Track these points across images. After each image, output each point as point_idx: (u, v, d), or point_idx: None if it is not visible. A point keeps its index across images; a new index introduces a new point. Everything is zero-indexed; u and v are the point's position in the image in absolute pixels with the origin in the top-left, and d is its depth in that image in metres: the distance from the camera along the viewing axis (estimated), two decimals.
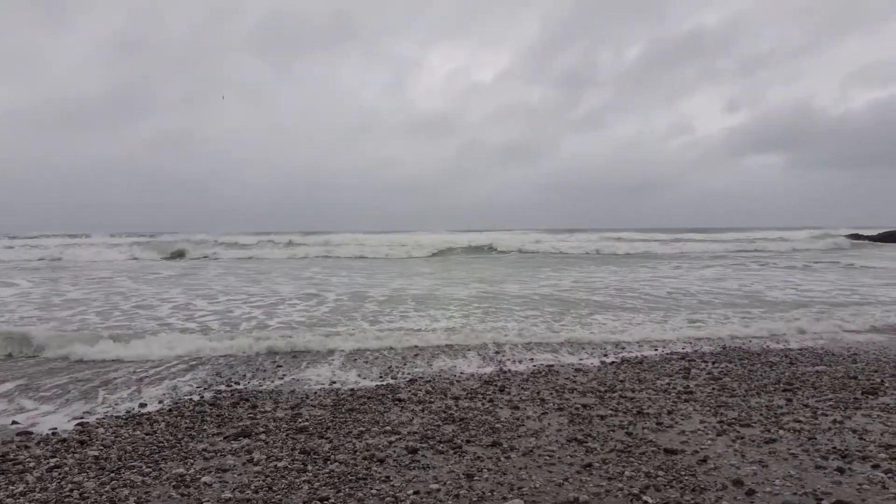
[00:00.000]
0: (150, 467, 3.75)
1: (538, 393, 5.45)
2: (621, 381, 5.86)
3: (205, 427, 4.56)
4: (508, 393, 5.46)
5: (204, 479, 3.56)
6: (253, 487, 3.43)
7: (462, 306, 11.12)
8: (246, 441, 4.23)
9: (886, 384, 5.64)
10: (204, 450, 4.06)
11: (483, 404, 5.10)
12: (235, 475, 3.62)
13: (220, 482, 3.52)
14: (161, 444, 4.16)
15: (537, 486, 3.45)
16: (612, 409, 4.93)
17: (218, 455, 3.97)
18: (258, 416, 4.80)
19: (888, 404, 4.98)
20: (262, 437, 4.32)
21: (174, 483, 3.51)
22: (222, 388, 5.73)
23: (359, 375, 6.20)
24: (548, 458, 3.88)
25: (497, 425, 4.53)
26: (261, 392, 5.57)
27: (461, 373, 6.29)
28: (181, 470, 3.69)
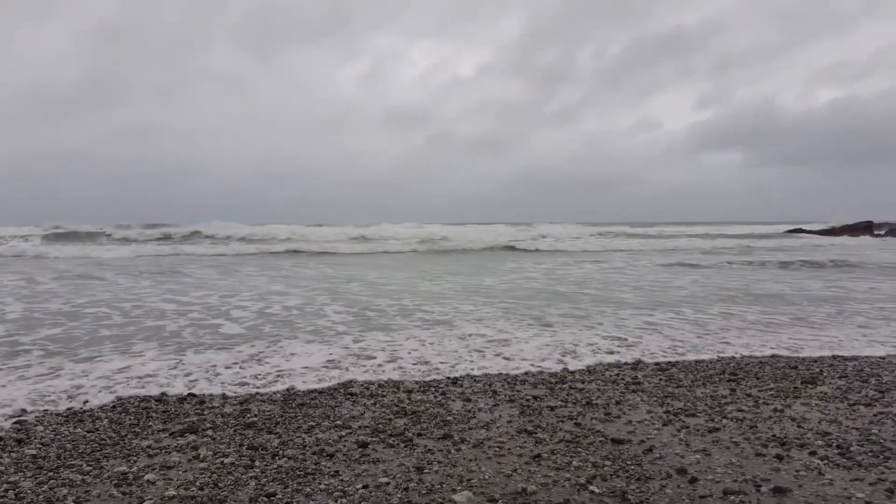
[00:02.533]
0: (90, 465, 3.65)
1: (490, 385, 5.48)
2: (571, 373, 5.94)
3: (150, 423, 4.45)
4: (461, 385, 5.48)
5: (147, 476, 3.48)
6: (198, 484, 3.37)
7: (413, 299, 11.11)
8: (192, 437, 4.15)
9: (825, 374, 5.84)
10: (148, 447, 3.97)
11: (435, 397, 5.10)
12: (180, 472, 3.55)
13: (165, 479, 3.44)
14: (103, 442, 4.05)
15: (486, 477, 3.47)
16: (561, 401, 4.99)
17: (163, 452, 3.88)
18: (205, 412, 4.71)
19: (826, 393, 5.16)
20: (210, 433, 4.24)
21: (115, 481, 3.42)
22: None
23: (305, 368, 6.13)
24: (498, 449, 3.91)
25: (448, 418, 4.54)
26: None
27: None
28: (123, 468, 3.60)
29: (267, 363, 6.28)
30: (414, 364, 6.28)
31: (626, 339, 7.54)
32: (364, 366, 6.20)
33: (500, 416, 4.61)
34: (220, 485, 3.36)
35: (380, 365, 6.24)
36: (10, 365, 6.13)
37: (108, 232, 31.27)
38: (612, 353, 6.83)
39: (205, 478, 3.45)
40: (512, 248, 29.21)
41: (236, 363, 6.27)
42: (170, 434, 4.21)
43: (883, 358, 6.57)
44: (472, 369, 6.07)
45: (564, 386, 5.45)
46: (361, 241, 30.10)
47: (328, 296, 11.65)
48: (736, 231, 47.59)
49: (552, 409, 4.77)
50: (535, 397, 5.09)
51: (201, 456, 3.78)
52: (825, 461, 3.68)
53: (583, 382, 5.57)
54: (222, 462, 3.68)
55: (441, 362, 6.35)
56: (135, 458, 3.76)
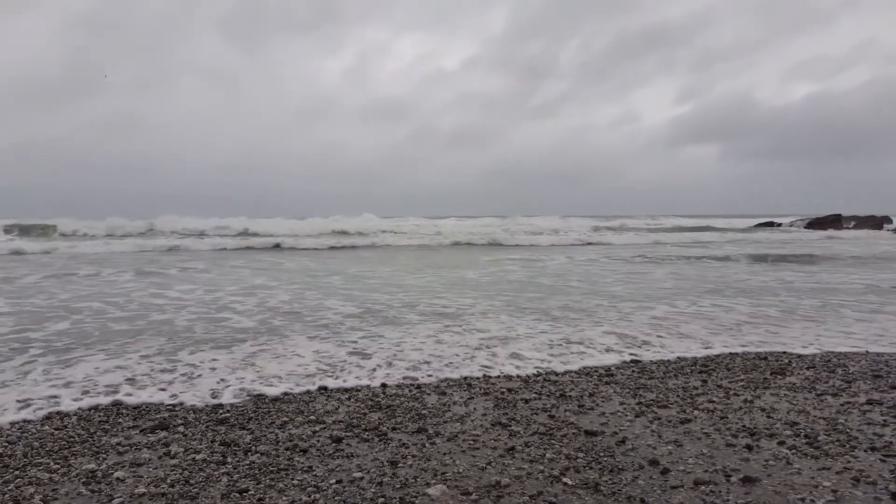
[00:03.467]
0: (58, 464, 3.58)
1: (465, 378, 5.49)
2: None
3: (120, 420, 4.39)
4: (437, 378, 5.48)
5: (117, 474, 3.43)
6: (169, 481, 3.33)
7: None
8: (163, 434, 4.10)
9: (793, 365, 5.95)
10: (118, 444, 3.91)
11: (411, 391, 5.10)
12: (151, 469, 3.51)
13: (135, 477, 3.40)
14: (72, 440, 3.98)
15: (461, 470, 3.47)
16: (536, 393, 5.01)
17: (133, 449, 3.83)
18: (177, 408, 4.65)
19: (794, 384, 5.25)
20: (181, 429, 4.19)
21: (84, 479, 3.36)
22: None
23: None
24: (472, 442, 3.92)
25: (423, 411, 4.54)
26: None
27: None
28: (92, 465, 3.54)
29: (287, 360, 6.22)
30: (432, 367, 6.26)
31: (644, 339, 7.59)
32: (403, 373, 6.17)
33: (474, 409, 4.62)
34: (191, 481, 3.32)
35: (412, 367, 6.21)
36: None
37: (56, 226, 29.35)
38: (638, 347, 6.87)
39: (176, 474, 3.41)
40: (491, 243, 29.17)
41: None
42: (140, 431, 4.16)
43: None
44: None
45: (539, 378, 5.48)
46: (323, 236, 29.29)
47: (284, 318, 11.57)
48: (704, 223, 48.23)
49: (526, 401, 4.79)
50: (509, 390, 5.11)
51: (172, 452, 3.74)
52: (793, 451, 3.74)
53: (556, 375, 5.60)
54: (194, 458, 3.64)
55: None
56: (104, 456, 3.70)
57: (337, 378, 5.46)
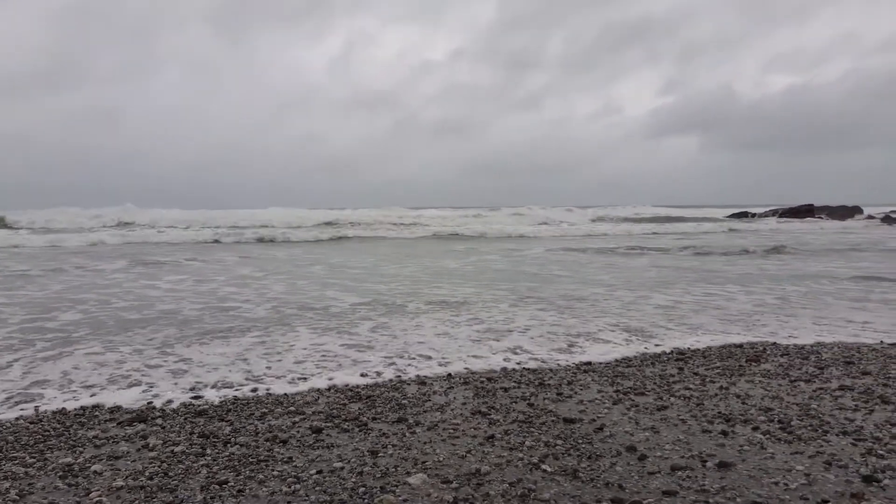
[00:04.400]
0: (34, 458, 3.54)
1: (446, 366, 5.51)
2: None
3: (97, 413, 4.34)
4: (417, 367, 5.49)
5: (94, 467, 3.39)
6: (147, 474, 3.30)
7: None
8: (141, 426, 4.06)
9: (768, 352, 6.04)
10: (95, 437, 3.87)
11: (391, 381, 5.10)
12: (129, 462, 3.47)
13: (112, 470, 3.37)
14: (47, 433, 3.93)
15: (441, 459, 3.49)
16: (515, 381, 5.05)
17: (110, 442, 3.79)
18: (154, 399, 4.61)
19: (769, 370, 5.34)
20: (159, 421, 4.16)
21: (61, 473, 3.32)
22: None
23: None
24: (452, 431, 3.94)
25: (404, 401, 4.55)
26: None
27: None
28: (69, 459, 3.50)
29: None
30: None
31: (653, 332, 7.64)
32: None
33: (454, 398, 4.64)
34: (170, 474, 3.30)
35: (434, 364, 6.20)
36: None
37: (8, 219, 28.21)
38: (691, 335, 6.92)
39: (154, 467, 3.39)
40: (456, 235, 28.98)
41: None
42: (117, 423, 4.12)
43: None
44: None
45: (518, 367, 5.52)
46: (302, 229, 28.82)
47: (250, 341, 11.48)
48: (679, 214, 48.69)
49: (506, 390, 4.82)
50: (489, 378, 5.14)
51: (150, 445, 3.71)
52: (767, 436, 3.81)
53: (535, 362, 5.64)
54: (172, 451, 3.61)
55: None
56: (80, 449, 3.66)
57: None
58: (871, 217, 45.92)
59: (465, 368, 5.48)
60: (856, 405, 4.38)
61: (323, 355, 5.95)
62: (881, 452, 3.50)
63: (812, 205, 48.56)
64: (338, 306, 8.69)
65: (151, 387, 4.96)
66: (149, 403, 4.55)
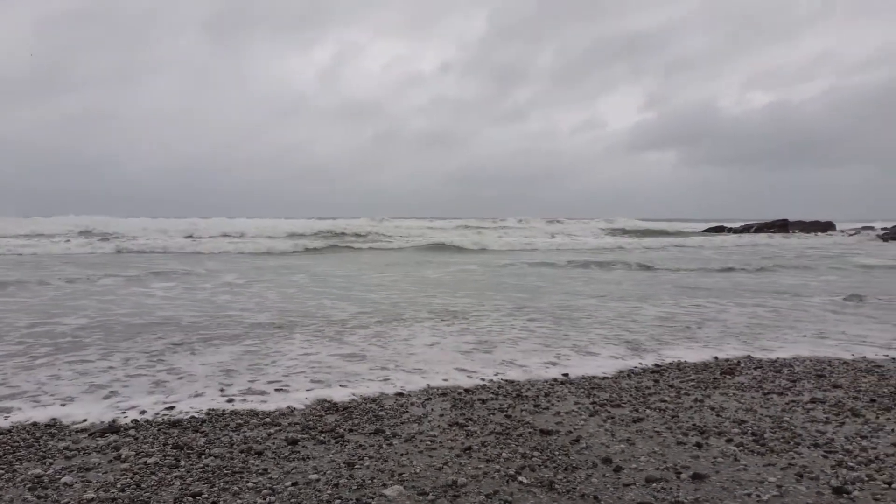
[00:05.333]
0: (2, 469, 3.47)
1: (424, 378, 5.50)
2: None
3: (67, 424, 4.27)
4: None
5: (64, 479, 3.34)
6: (119, 486, 3.25)
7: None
8: (113, 437, 4.00)
9: (742, 365, 6.12)
10: (65, 448, 3.80)
11: (369, 390, 5.08)
12: (100, 474, 3.42)
13: (83, 482, 3.31)
14: (16, 444, 3.86)
15: (417, 471, 3.48)
16: (492, 393, 5.05)
17: (81, 453, 3.73)
18: (128, 411, 4.55)
19: (743, 383, 5.41)
20: (132, 432, 4.10)
21: (30, 485, 3.26)
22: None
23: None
24: (429, 443, 3.93)
25: (381, 413, 4.53)
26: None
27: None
28: (38, 471, 3.44)
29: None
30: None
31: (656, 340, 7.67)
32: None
33: (432, 409, 4.63)
34: (142, 486, 3.26)
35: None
36: None
37: None
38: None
39: (126, 479, 3.34)
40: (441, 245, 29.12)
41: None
42: (89, 434, 4.05)
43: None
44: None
45: (495, 378, 5.53)
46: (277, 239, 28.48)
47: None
48: (660, 227, 49.20)
49: (483, 401, 4.82)
50: (466, 390, 5.14)
51: (123, 456, 3.65)
52: (741, 448, 3.86)
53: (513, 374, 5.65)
54: (145, 462, 3.56)
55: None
56: (51, 461, 3.60)
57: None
58: (842, 232, 46.80)
59: (445, 380, 5.48)
60: (827, 418, 4.45)
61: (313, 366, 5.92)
62: (851, 464, 3.56)
63: (786, 220, 49.31)
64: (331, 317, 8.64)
65: (126, 398, 4.90)
66: (122, 413, 4.48)
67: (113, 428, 4.14)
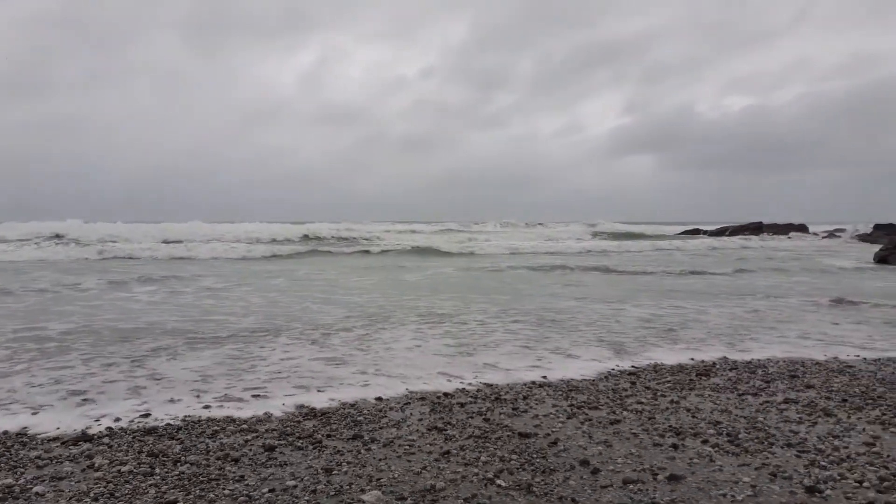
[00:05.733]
0: None
1: (402, 382, 5.49)
2: (480, 369, 6.03)
3: (38, 433, 4.20)
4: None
5: (36, 488, 3.28)
6: (92, 495, 3.20)
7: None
8: (86, 446, 3.94)
9: (718, 366, 6.19)
10: (37, 457, 3.73)
11: (347, 395, 5.06)
12: (73, 483, 3.37)
13: (55, 491, 3.26)
14: None
15: (396, 476, 3.47)
16: (471, 397, 5.06)
17: (54, 462, 3.67)
18: (101, 418, 4.49)
19: (718, 384, 5.47)
20: (106, 440, 4.04)
21: (1, 495, 3.20)
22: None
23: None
24: (408, 447, 3.92)
25: (359, 418, 4.51)
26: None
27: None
28: (9, 480, 3.37)
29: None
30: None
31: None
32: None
33: (410, 413, 4.63)
34: (116, 494, 3.21)
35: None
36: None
37: None
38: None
39: (100, 488, 3.29)
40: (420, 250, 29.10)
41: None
42: (62, 443, 3.99)
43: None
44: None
45: (474, 382, 5.54)
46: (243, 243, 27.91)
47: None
48: (639, 230, 49.64)
49: (462, 405, 4.83)
50: (445, 394, 5.14)
51: (96, 465, 3.60)
52: (716, 449, 3.90)
53: (491, 377, 5.66)
54: (119, 470, 3.51)
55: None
56: (22, 470, 3.54)
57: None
58: (815, 234, 47.57)
59: (424, 384, 5.48)
60: (800, 418, 4.51)
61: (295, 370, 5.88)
62: (823, 464, 3.62)
63: (761, 222, 50.00)
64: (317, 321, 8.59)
65: (101, 405, 4.83)
66: (96, 421, 4.42)
67: (86, 436, 4.08)
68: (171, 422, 4.42)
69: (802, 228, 50.18)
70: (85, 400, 4.96)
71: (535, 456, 3.77)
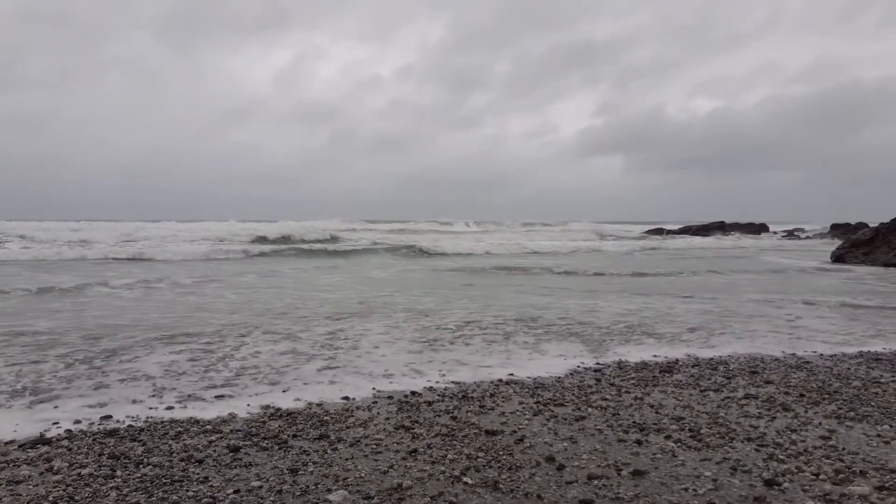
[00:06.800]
0: None
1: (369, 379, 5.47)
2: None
3: None
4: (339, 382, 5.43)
5: None
6: (51, 498, 3.13)
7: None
8: (45, 449, 3.85)
9: (680, 363, 6.30)
10: None
11: (313, 395, 5.03)
12: (31, 486, 3.29)
13: (12, 496, 3.18)
14: None
15: (362, 475, 3.47)
16: (439, 395, 5.07)
17: (10, 466, 3.57)
18: (61, 421, 4.39)
19: (681, 381, 5.57)
20: (65, 442, 3.95)
21: None
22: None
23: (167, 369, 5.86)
24: (375, 446, 3.92)
25: (326, 417, 4.49)
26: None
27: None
28: None
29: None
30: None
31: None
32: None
33: (378, 413, 4.61)
34: (76, 498, 3.14)
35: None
36: None
37: None
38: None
39: (59, 491, 3.22)
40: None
41: None
42: (19, 446, 3.89)
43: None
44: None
45: (441, 379, 5.55)
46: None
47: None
48: (611, 230, 50.21)
49: (429, 403, 4.83)
50: (413, 392, 5.14)
51: (55, 468, 3.52)
52: (678, 444, 3.97)
53: (459, 375, 5.68)
54: (79, 473, 3.44)
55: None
56: None
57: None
58: (775, 234, 48.71)
59: (391, 383, 5.47)
60: (759, 413, 4.62)
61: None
62: (782, 457, 3.71)
63: (723, 222, 51.02)
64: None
65: (61, 406, 4.72)
66: (54, 424, 4.32)
67: (44, 439, 3.99)
68: (133, 423, 4.35)
69: (763, 228, 51.34)
70: (42, 401, 4.84)
71: (501, 453, 3.79)
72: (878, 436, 4.11)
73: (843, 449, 3.85)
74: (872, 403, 4.84)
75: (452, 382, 5.49)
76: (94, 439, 4.01)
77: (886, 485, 3.31)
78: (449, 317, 9.02)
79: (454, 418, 4.47)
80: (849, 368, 6.04)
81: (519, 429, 4.25)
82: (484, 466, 3.59)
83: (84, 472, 3.46)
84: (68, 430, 4.19)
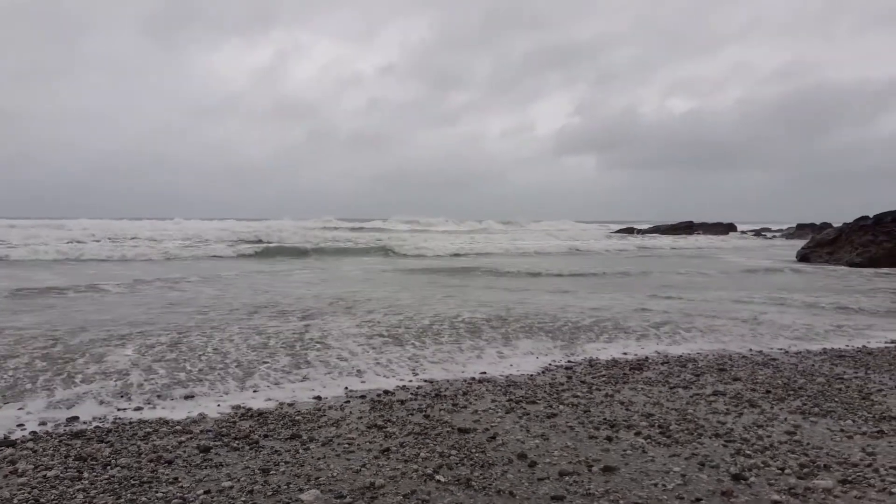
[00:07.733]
0: None
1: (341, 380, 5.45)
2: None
3: None
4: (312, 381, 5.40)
5: None
6: (16, 501, 3.07)
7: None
8: (9, 451, 3.77)
9: (650, 360, 6.38)
10: None
11: (285, 394, 5.00)
12: None
13: None
14: None
15: (335, 474, 3.45)
16: (412, 394, 5.07)
17: None
18: (25, 422, 4.30)
19: (651, 378, 5.64)
20: (30, 444, 3.87)
21: None
22: None
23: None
24: (347, 445, 3.91)
25: (297, 417, 4.46)
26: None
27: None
28: None
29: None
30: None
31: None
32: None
33: (350, 412, 4.60)
34: (41, 500, 3.09)
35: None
36: None
37: None
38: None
39: (24, 493, 3.16)
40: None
41: None
42: None
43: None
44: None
45: (414, 378, 5.55)
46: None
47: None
48: (582, 228, 50.64)
49: (402, 402, 4.83)
50: (385, 391, 5.13)
51: (20, 471, 3.45)
52: (648, 440, 4.02)
53: (432, 373, 5.69)
54: (45, 476, 3.38)
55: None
56: None
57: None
58: (742, 233, 49.57)
59: (363, 382, 5.46)
60: (727, 409, 4.70)
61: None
62: (748, 452, 3.78)
63: (692, 221, 51.80)
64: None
65: (24, 408, 4.62)
66: (19, 426, 4.24)
67: (8, 441, 3.91)
68: (100, 424, 4.28)
69: (731, 228, 52.22)
70: (7, 402, 4.73)
71: (474, 451, 3.81)
72: (842, 431, 4.21)
73: (808, 444, 3.94)
74: (836, 399, 4.96)
75: (425, 381, 5.50)
76: (61, 441, 3.94)
77: (849, 478, 3.39)
78: (423, 315, 9.01)
79: (427, 417, 4.48)
80: (813, 365, 6.18)
81: (491, 426, 4.27)
82: (457, 464, 3.60)
83: (50, 474, 3.40)
84: (33, 432, 4.11)
